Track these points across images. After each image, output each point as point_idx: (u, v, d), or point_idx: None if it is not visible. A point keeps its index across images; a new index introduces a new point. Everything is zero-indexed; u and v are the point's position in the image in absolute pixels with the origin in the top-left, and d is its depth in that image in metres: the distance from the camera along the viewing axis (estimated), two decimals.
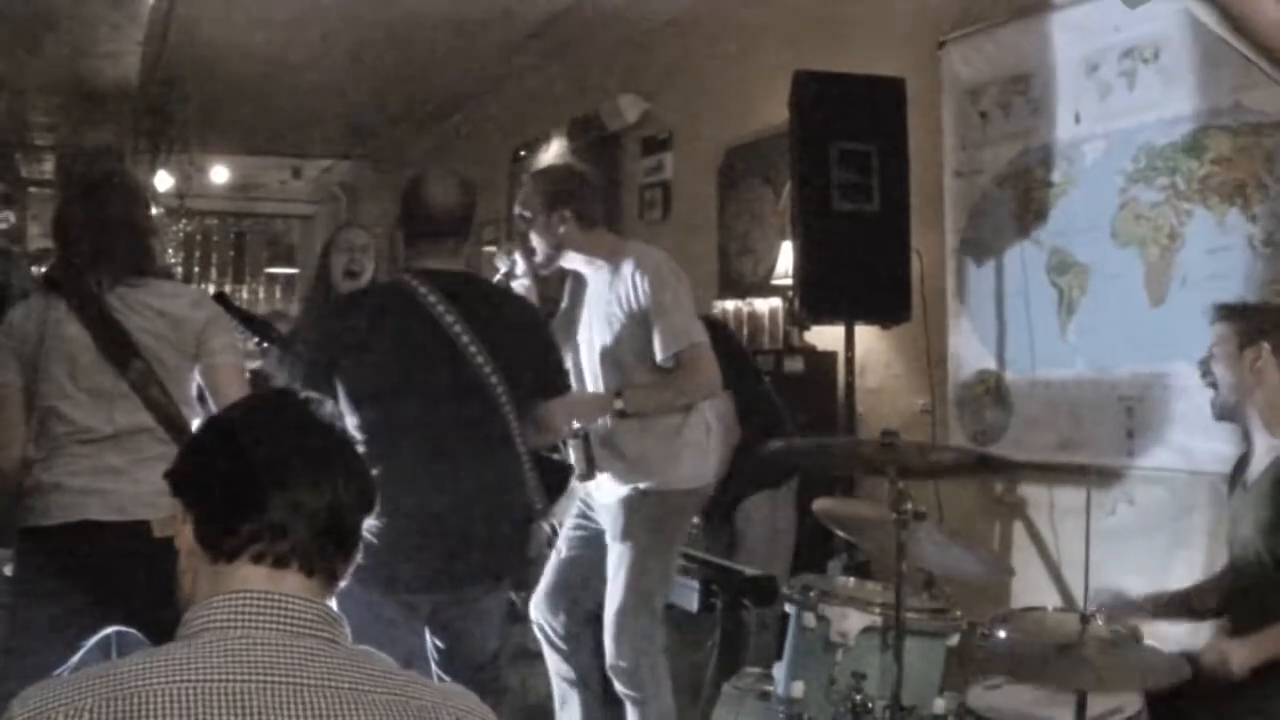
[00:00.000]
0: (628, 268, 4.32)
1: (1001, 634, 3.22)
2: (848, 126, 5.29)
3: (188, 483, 1.75)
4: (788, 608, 3.63)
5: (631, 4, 8.18)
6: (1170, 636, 3.71)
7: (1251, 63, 3.15)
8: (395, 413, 3.65)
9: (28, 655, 3.34)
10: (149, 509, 3.40)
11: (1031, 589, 4.97)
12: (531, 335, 3.96)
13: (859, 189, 5.23)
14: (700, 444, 4.45)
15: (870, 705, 3.29)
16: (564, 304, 4.68)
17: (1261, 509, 3.48)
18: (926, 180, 5.60)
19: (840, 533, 3.97)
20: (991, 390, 5.53)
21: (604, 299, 4.40)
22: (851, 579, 3.99)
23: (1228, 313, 3.71)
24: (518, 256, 4.52)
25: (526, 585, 4.50)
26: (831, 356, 5.89)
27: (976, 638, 3.44)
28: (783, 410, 5.67)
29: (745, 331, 6.92)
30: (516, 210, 4.48)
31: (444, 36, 9.21)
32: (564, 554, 4.58)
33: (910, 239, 5.37)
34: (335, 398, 3.63)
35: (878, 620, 3.39)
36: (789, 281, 5.78)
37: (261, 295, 17.34)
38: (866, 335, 5.80)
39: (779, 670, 3.59)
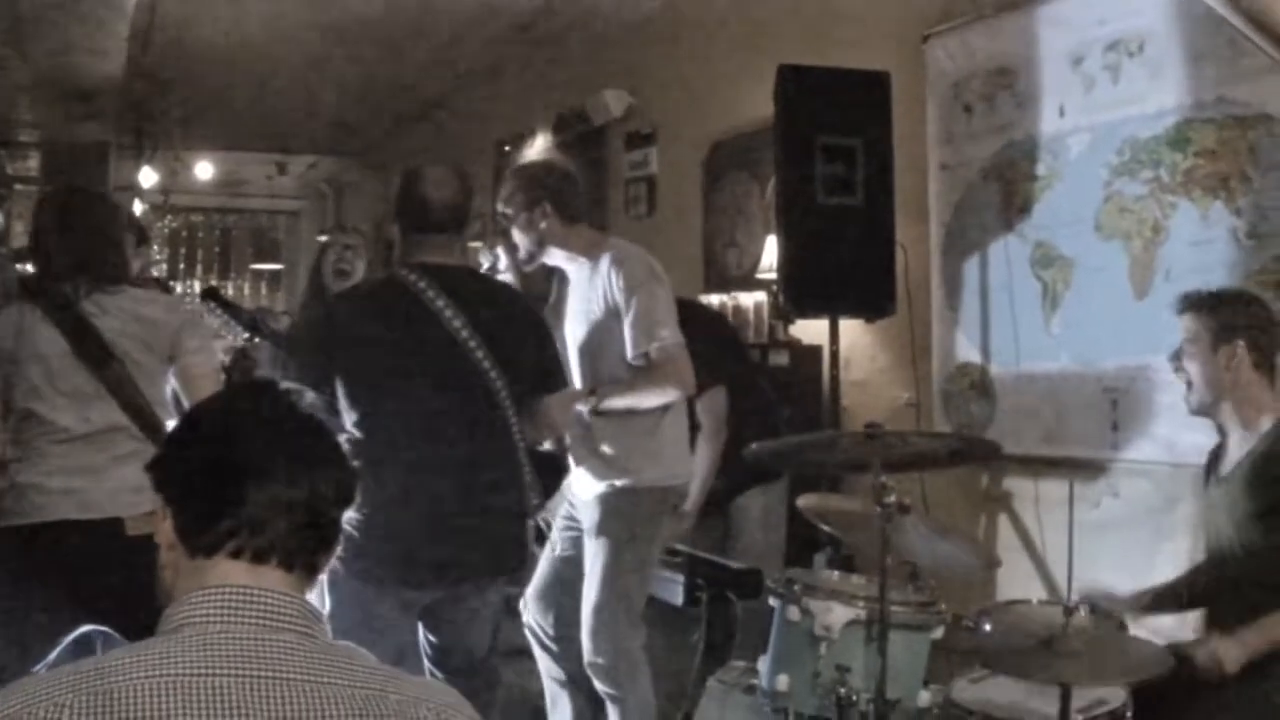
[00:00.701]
0: (605, 264, 4.32)
1: (986, 627, 3.21)
2: (832, 120, 5.30)
3: (167, 477, 1.75)
4: (772, 601, 3.63)
5: None
6: (1156, 628, 3.72)
7: (1252, 42, 3.15)
8: (394, 409, 3.65)
9: (3, 654, 3.36)
10: (123, 506, 3.46)
11: (1017, 582, 4.98)
12: (529, 330, 3.96)
13: (843, 183, 5.24)
14: (679, 441, 4.46)
15: (855, 698, 3.28)
16: (551, 299, 4.69)
17: (1238, 502, 3.48)
18: (911, 174, 5.61)
19: (825, 528, 3.97)
20: (976, 383, 5.54)
21: (584, 295, 4.40)
22: (836, 572, 3.99)
23: (1197, 305, 3.64)
24: (500, 252, 4.52)
25: (522, 581, 4.49)
26: (816, 350, 5.89)
27: (962, 630, 3.44)
28: (777, 404, 5.67)
29: None
30: (498, 206, 4.47)
31: (429, 32, 9.19)
32: (554, 553, 4.58)
33: (895, 233, 5.39)
34: (334, 395, 3.64)
35: (862, 613, 3.38)
36: (774, 275, 5.78)
37: (247, 291, 17.27)
38: (851, 329, 5.81)
39: (764, 664, 3.59)
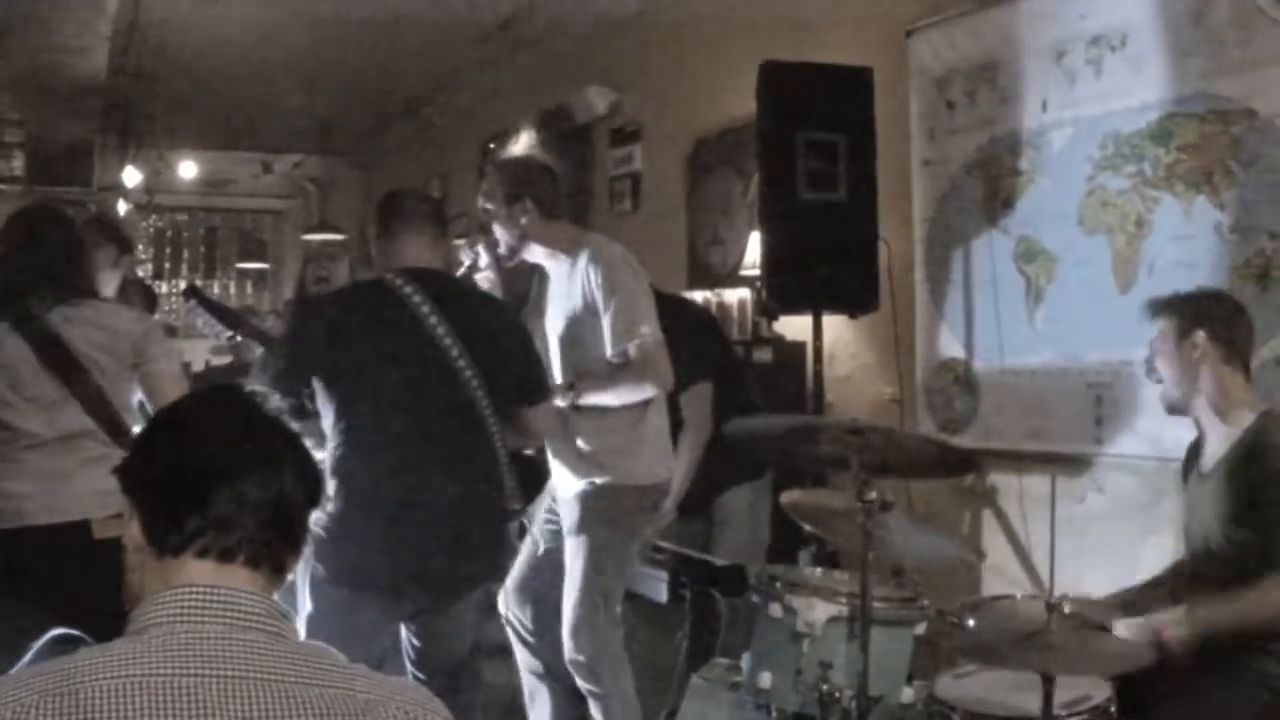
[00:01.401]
0: (583, 260, 4.32)
1: (970, 622, 3.21)
2: (815, 116, 5.29)
3: (133, 478, 1.74)
4: (754, 598, 3.62)
5: None
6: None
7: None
8: (376, 412, 3.64)
9: None
10: (91, 509, 3.53)
11: (1002, 577, 4.98)
12: (510, 338, 3.95)
13: (826, 178, 5.24)
14: (661, 439, 4.45)
15: (838, 695, 3.27)
16: (533, 295, 4.68)
17: (1219, 498, 3.46)
18: (894, 169, 5.60)
19: (807, 525, 3.95)
20: (960, 379, 5.53)
21: (564, 291, 4.39)
22: (819, 569, 3.99)
23: (1163, 307, 3.63)
24: (481, 249, 4.51)
25: (501, 580, 4.49)
26: (800, 346, 5.87)
27: (945, 626, 3.43)
28: (761, 401, 5.66)
29: None
30: (479, 202, 4.47)
31: (413, 30, 9.19)
32: (534, 547, 4.57)
33: (878, 228, 5.38)
34: (313, 398, 3.64)
35: (844, 610, 3.37)
36: (758, 272, 5.77)
37: (233, 290, 17.24)
38: (834, 325, 5.79)
39: (747, 661, 3.58)
